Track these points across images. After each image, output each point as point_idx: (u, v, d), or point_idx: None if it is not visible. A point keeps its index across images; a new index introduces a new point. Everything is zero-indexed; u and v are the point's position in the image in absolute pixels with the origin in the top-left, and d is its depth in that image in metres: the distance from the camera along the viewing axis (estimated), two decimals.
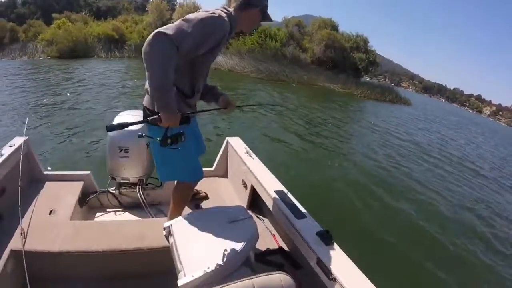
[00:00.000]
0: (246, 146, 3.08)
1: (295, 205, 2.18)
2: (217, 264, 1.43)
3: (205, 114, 8.94)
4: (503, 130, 62.22)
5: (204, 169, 2.97)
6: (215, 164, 3.37)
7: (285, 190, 2.34)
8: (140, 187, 2.83)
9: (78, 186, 2.74)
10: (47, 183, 2.72)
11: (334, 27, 31.47)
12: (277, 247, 2.32)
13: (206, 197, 2.89)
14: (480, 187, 9.05)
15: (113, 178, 2.83)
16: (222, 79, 17.73)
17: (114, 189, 2.87)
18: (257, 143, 7.52)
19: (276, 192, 2.30)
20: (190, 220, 1.79)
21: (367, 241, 4.47)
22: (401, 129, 15.10)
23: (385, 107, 24.67)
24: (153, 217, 2.68)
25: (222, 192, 3.12)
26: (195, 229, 1.72)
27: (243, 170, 2.80)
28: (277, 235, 2.44)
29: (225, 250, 1.51)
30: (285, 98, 15.96)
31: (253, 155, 2.89)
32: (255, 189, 2.64)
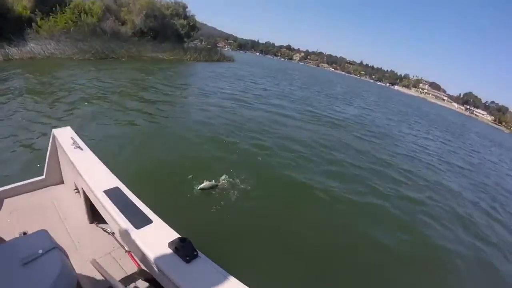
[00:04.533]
0: (76, 137, 2.55)
1: (137, 208, 1.83)
2: None
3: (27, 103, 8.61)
4: (312, 69, 76.62)
5: (34, 179, 2.82)
6: (45, 170, 2.85)
7: (122, 187, 1.99)
8: None
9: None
10: None
11: None
12: (136, 268, 2.02)
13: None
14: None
15: None
16: (38, 69, 16.19)
17: None
18: (89, 130, 7.21)
19: (109, 191, 1.92)
20: None
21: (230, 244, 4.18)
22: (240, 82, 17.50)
23: (215, 65, 27.33)
24: None
25: (57, 205, 2.66)
26: None
27: (72, 170, 2.35)
28: (133, 252, 1.97)
29: None
30: (115, 76, 15.64)
31: (84, 146, 2.42)
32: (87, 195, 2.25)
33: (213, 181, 5.33)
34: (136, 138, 7.07)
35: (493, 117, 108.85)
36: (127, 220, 1.68)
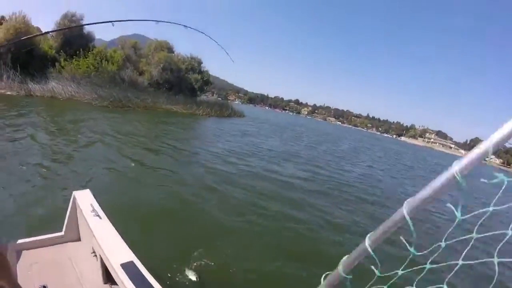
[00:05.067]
0: (95, 202, 2.72)
1: (150, 285, 1.94)
2: None
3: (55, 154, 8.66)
4: (319, 124, 77.74)
5: (54, 234, 2.94)
6: (64, 227, 2.96)
7: (136, 262, 2.11)
8: None
9: None
10: None
11: (170, 50, 32.71)
12: None
13: None
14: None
15: None
16: (58, 110, 16.44)
17: None
18: (102, 186, 6.86)
19: (125, 265, 2.05)
20: None
21: None
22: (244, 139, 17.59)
23: (226, 121, 27.85)
24: None
25: (75, 262, 2.75)
26: None
27: (90, 235, 2.45)
28: None
29: None
30: (130, 127, 15.48)
31: (102, 214, 2.57)
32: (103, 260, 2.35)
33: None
34: (142, 202, 6.68)
35: (501, 160, 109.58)
36: None
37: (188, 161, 10.84)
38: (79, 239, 3.01)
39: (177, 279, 3.94)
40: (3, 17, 24.40)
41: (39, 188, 6.05)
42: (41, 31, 24.58)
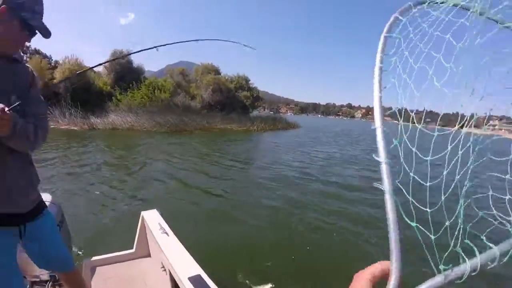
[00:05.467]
0: (162, 220, 2.83)
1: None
2: None
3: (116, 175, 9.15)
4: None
5: (125, 252, 3.14)
6: (134, 244, 3.16)
7: (204, 276, 2.11)
8: (51, 285, 2.51)
9: None
10: None
11: (217, 71, 32.88)
12: None
13: None
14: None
15: (24, 277, 2.40)
16: (120, 139, 16.91)
17: None
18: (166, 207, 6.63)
19: (193, 278, 2.08)
20: None
21: None
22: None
23: (280, 134, 26.91)
24: None
25: (145, 277, 2.90)
26: None
27: (159, 252, 2.55)
28: None
29: None
30: (188, 150, 15.51)
31: (169, 231, 2.66)
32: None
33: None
34: (205, 218, 6.59)
35: None
36: None
37: (248, 177, 10.24)
38: (149, 255, 3.18)
39: None
40: (57, 62, 25.83)
41: (109, 209, 6.42)
42: (93, 71, 25.97)
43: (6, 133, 1.34)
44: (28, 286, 2.48)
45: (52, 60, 26.53)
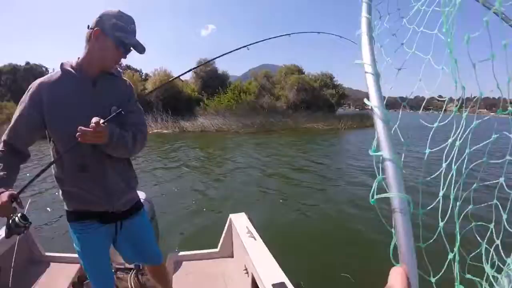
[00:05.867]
0: (250, 224, 2.85)
1: None
2: None
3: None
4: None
5: (209, 250, 3.22)
6: (219, 245, 3.20)
7: (288, 284, 1.99)
8: (134, 273, 2.69)
9: (74, 269, 2.73)
10: (47, 265, 2.76)
11: (300, 71, 32.47)
12: None
13: None
14: None
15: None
16: (209, 140, 17.46)
17: None
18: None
19: (277, 285, 1.98)
20: None
21: None
22: None
23: (370, 131, 25.39)
24: None
25: (226, 277, 2.91)
26: None
27: (244, 254, 2.55)
28: None
29: None
30: (276, 151, 15.18)
31: (256, 235, 2.64)
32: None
33: None
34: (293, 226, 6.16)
35: None
36: None
37: (343, 179, 9.39)
38: (232, 256, 3.14)
39: None
40: (147, 74, 27.89)
41: (197, 208, 6.60)
42: (181, 80, 28.46)
43: (103, 142, 1.46)
44: (112, 271, 2.48)
45: (142, 73, 28.60)
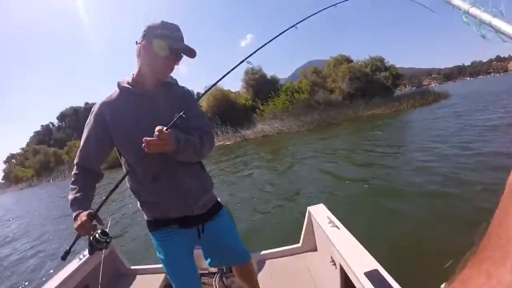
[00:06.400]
0: (331, 214, 2.71)
1: (390, 286, 1.67)
2: None
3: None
4: None
5: (291, 246, 3.13)
6: (301, 239, 3.11)
7: (381, 270, 1.84)
8: (218, 276, 2.70)
9: (160, 279, 2.82)
10: (133, 278, 2.86)
11: (349, 60, 31.85)
12: None
13: None
14: None
15: None
16: (271, 143, 17.77)
17: None
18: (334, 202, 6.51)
19: (369, 273, 1.83)
20: None
21: None
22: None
23: (434, 107, 24.17)
24: None
25: (312, 271, 2.81)
26: None
27: (329, 245, 2.41)
28: None
29: None
30: (339, 141, 14.97)
31: (339, 225, 2.51)
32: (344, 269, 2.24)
33: None
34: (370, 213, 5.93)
35: None
36: None
37: (408, 162, 8.88)
38: (315, 249, 3.06)
39: None
40: (199, 93, 28.96)
41: (271, 207, 6.67)
42: (232, 91, 29.59)
43: (171, 149, 1.47)
44: (199, 276, 2.56)
45: (194, 93, 29.79)
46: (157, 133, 1.39)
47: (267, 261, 3.01)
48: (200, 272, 2.64)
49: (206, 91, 2.59)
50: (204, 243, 1.88)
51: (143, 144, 1.39)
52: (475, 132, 11.43)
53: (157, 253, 1.76)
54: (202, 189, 1.76)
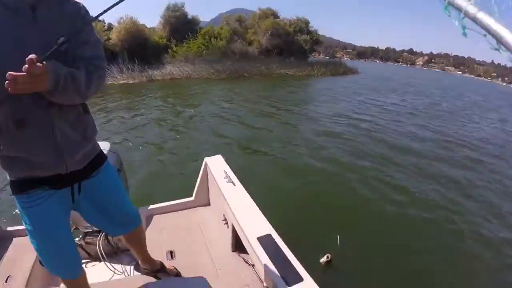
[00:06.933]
0: (228, 168, 2.62)
1: (289, 262, 1.67)
2: None
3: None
4: (436, 74, 70.33)
5: (183, 200, 2.97)
6: (194, 192, 2.95)
7: (274, 235, 1.86)
8: (103, 235, 2.38)
9: None
10: (9, 241, 2.45)
11: (275, 15, 31.49)
12: None
13: (178, 275, 2.21)
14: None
15: (76, 228, 2.34)
16: (179, 88, 17.30)
17: (79, 240, 2.38)
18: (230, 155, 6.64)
19: (262, 238, 1.84)
20: None
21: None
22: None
23: (342, 79, 25.79)
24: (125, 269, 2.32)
25: (203, 228, 2.70)
26: None
27: (222, 202, 2.33)
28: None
29: None
30: (250, 94, 15.29)
31: (236, 180, 2.44)
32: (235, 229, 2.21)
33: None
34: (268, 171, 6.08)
35: None
36: (278, 275, 1.59)
37: (319, 127, 9.58)
38: (208, 204, 2.95)
39: (315, 260, 3.53)
40: (110, 24, 26.14)
41: (166, 155, 6.42)
42: (147, 27, 27.41)
43: (45, 89, 1.04)
44: (80, 236, 2.40)
45: (105, 23, 26.68)
46: (28, 66, 0.92)
47: (155, 216, 2.81)
48: (84, 231, 2.37)
49: (100, 14, 1.98)
50: (83, 206, 1.54)
51: (6, 82, 0.93)
52: (373, 111, 12.86)
53: (23, 222, 1.41)
54: (81, 138, 1.37)
